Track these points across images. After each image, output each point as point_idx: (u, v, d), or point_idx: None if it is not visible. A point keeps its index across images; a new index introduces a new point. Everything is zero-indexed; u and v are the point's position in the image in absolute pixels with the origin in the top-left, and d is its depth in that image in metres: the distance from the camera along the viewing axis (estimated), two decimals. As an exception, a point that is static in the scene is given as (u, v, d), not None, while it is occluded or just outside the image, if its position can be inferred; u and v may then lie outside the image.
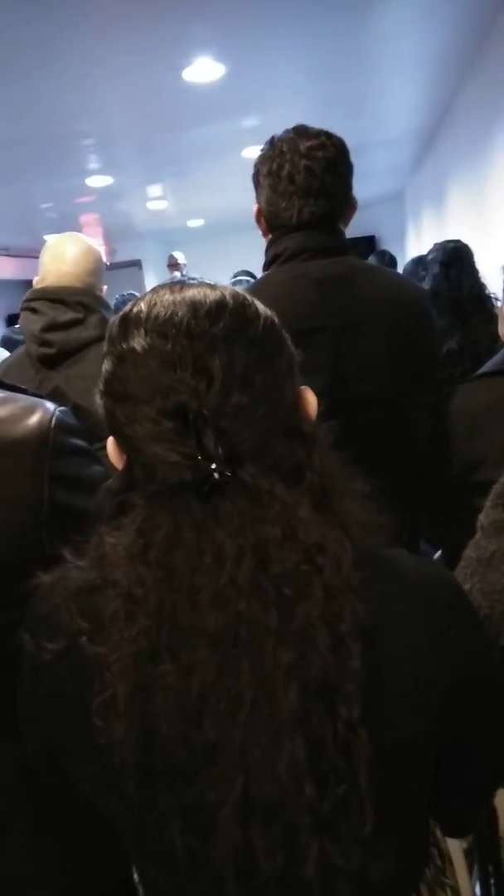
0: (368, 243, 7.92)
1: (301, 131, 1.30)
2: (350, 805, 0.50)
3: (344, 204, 1.32)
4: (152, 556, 0.53)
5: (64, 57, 2.72)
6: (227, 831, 0.49)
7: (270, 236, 1.34)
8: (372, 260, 4.08)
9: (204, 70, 3.16)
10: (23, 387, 0.90)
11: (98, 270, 1.71)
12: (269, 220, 1.33)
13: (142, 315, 0.57)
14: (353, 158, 1.33)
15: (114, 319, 0.60)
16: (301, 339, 0.64)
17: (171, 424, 0.54)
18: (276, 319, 0.61)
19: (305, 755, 0.49)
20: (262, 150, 1.34)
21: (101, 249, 1.78)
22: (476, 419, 1.29)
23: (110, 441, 0.61)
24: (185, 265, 5.94)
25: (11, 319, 7.09)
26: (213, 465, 0.53)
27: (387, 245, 7.57)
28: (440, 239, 2.33)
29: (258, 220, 1.37)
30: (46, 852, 0.85)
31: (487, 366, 1.39)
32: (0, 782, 0.83)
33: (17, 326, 2.43)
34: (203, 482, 0.53)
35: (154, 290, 0.60)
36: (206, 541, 0.52)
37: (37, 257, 1.72)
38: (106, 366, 0.58)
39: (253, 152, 1.34)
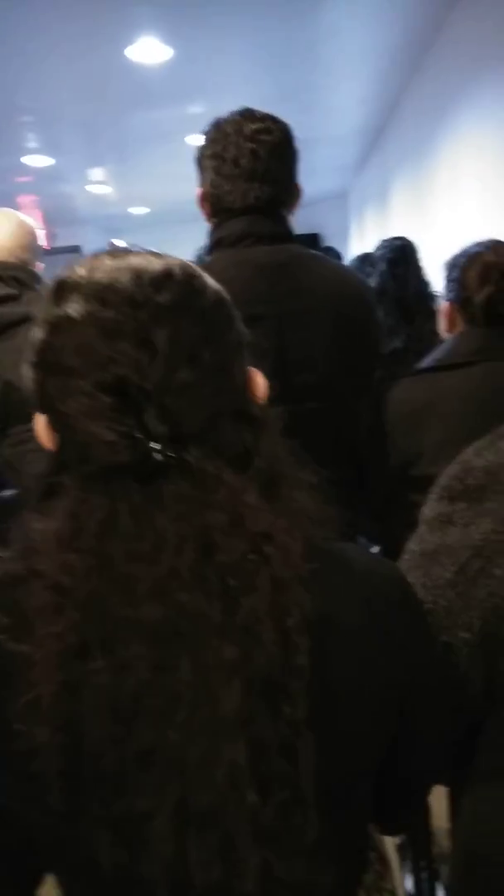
0: (311, 241, 7.96)
1: (247, 114, 1.27)
2: (294, 812, 0.47)
3: (289, 190, 1.30)
4: (84, 543, 0.48)
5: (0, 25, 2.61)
6: (160, 843, 0.45)
7: (214, 220, 1.31)
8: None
9: (149, 50, 3.09)
10: None
11: (32, 246, 1.66)
12: (213, 204, 1.30)
13: (80, 280, 0.52)
14: (299, 154, 1.31)
15: (48, 284, 0.55)
16: (244, 326, 0.61)
17: (109, 400, 0.49)
18: (226, 295, 0.57)
19: (247, 759, 0.46)
20: (205, 131, 1.30)
21: (41, 233, 1.72)
22: (414, 414, 1.30)
23: (40, 418, 0.55)
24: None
25: None
26: (155, 445, 0.49)
27: (330, 243, 7.62)
28: (383, 238, 2.33)
29: (201, 204, 1.34)
30: None
31: (426, 361, 1.40)
32: None
33: None
34: (143, 463, 0.49)
35: (94, 255, 0.55)
36: (146, 527, 0.48)
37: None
38: (38, 334, 0.53)
39: (198, 140, 1.30)
